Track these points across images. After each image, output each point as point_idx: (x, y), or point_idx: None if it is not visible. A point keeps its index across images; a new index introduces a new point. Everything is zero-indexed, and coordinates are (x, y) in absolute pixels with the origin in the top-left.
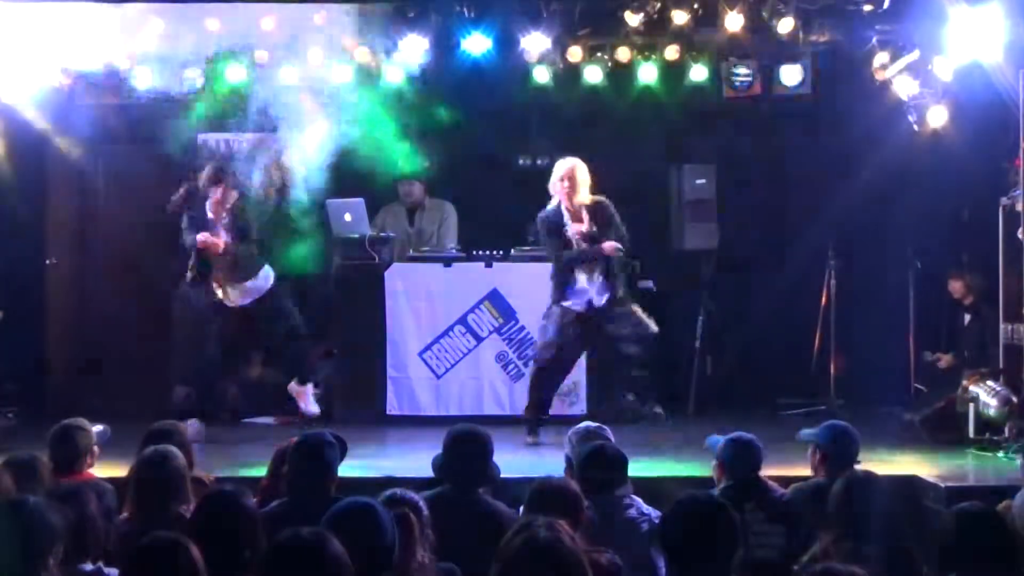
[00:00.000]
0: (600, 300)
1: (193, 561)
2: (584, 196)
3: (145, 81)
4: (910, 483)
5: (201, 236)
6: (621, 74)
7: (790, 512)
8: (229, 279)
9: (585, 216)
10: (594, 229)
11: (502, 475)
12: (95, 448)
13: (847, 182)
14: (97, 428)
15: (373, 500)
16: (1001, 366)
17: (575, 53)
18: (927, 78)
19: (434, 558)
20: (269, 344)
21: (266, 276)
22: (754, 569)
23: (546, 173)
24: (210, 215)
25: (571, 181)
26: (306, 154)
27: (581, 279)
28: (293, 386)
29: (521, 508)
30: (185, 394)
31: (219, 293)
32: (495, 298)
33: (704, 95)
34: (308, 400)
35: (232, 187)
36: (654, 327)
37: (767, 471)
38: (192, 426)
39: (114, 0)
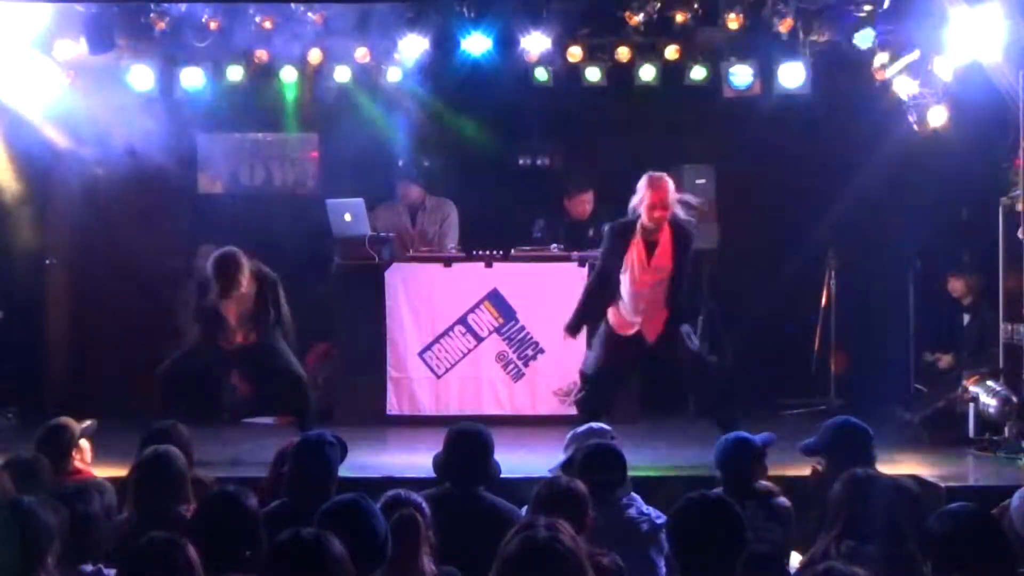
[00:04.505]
0: None
1: (190, 561)
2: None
3: (145, 80)
4: (910, 483)
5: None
6: (621, 74)
7: None
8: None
9: None
10: None
11: (502, 475)
12: (82, 443)
13: (847, 182)
14: (84, 423)
15: (361, 496)
16: (1001, 366)
17: (575, 53)
18: (927, 78)
19: (435, 559)
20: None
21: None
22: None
23: (546, 173)
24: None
25: None
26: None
27: None
28: None
29: (525, 508)
30: None
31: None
32: (495, 298)
33: (704, 95)
34: None
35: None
36: None
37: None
38: None
39: (115, 1)
